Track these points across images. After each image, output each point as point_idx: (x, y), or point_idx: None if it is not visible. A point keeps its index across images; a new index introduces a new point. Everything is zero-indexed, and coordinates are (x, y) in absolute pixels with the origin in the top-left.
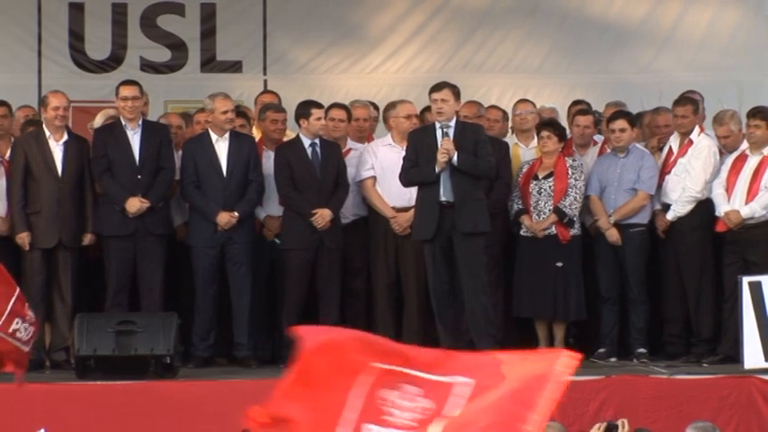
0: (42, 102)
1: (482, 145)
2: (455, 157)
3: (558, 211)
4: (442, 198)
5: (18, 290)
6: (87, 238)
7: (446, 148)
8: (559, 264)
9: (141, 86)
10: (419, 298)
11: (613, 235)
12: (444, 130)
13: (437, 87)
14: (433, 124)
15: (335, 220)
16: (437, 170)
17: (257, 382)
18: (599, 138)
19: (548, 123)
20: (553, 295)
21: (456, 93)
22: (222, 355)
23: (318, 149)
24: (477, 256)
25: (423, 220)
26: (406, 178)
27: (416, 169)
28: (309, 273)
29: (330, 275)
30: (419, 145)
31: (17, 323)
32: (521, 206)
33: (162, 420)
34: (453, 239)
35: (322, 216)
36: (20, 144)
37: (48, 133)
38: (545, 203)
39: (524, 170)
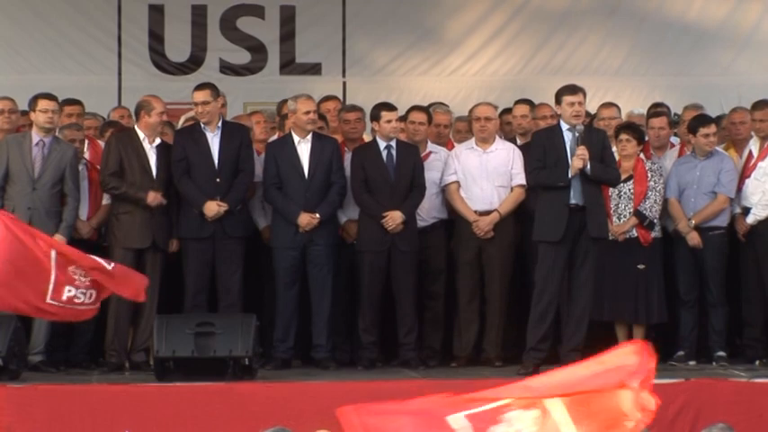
0: (145, 106)
1: (608, 151)
2: (588, 166)
3: (638, 213)
4: (572, 201)
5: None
6: (174, 245)
7: (583, 156)
8: (641, 266)
9: (215, 88)
10: (501, 301)
11: (694, 238)
12: (577, 134)
13: (573, 90)
14: (558, 126)
15: (408, 222)
16: (570, 175)
17: (336, 383)
18: (675, 140)
19: (626, 126)
20: (635, 298)
21: (585, 95)
22: (300, 357)
23: (394, 152)
24: (594, 260)
25: (549, 222)
26: (535, 180)
27: (546, 172)
28: (383, 275)
29: (404, 278)
30: (546, 147)
31: (69, 291)
32: None
33: (240, 422)
34: (579, 243)
35: (392, 218)
36: (117, 141)
37: (142, 136)
38: (625, 206)
39: None
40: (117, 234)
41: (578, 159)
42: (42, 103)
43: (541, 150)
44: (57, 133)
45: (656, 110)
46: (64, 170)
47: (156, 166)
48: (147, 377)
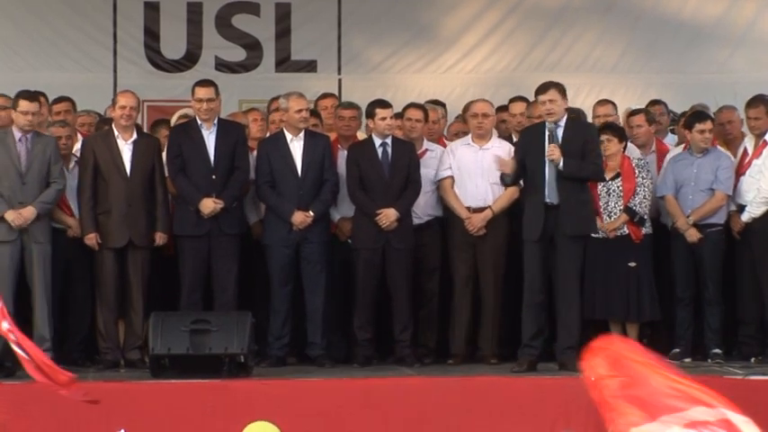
0: (112, 101)
1: (591, 146)
2: (561, 163)
3: (628, 210)
4: (547, 199)
5: None
6: (159, 238)
7: (552, 155)
8: (632, 263)
9: (217, 87)
10: (495, 299)
11: (694, 235)
12: (551, 131)
13: (543, 89)
14: (544, 123)
15: (403, 219)
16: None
17: (331, 381)
18: (671, 138)
19: (606, 127)
20: (626, 296)
21: (562, 90)
22: (295, 355)
23: (389, 149)
24: (574, 260)
25: (529, 221)
26: (512, 178)
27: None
28: (378, 272)
29: (399, 275)
30: (529, 144)
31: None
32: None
33: (235, 419)
34: (556, 242)
35: (386, 216)
36: (89, 144)
37: (116, 133)
38: (615, 204)
39: None
40: (99, 234)
41: (548, 157)
42: (23, 105)
43: (523, 148)
44: (45, 129)
45: (636, 108)
46: (49, 161)
47: (130, 162)
48: (143, 374)
